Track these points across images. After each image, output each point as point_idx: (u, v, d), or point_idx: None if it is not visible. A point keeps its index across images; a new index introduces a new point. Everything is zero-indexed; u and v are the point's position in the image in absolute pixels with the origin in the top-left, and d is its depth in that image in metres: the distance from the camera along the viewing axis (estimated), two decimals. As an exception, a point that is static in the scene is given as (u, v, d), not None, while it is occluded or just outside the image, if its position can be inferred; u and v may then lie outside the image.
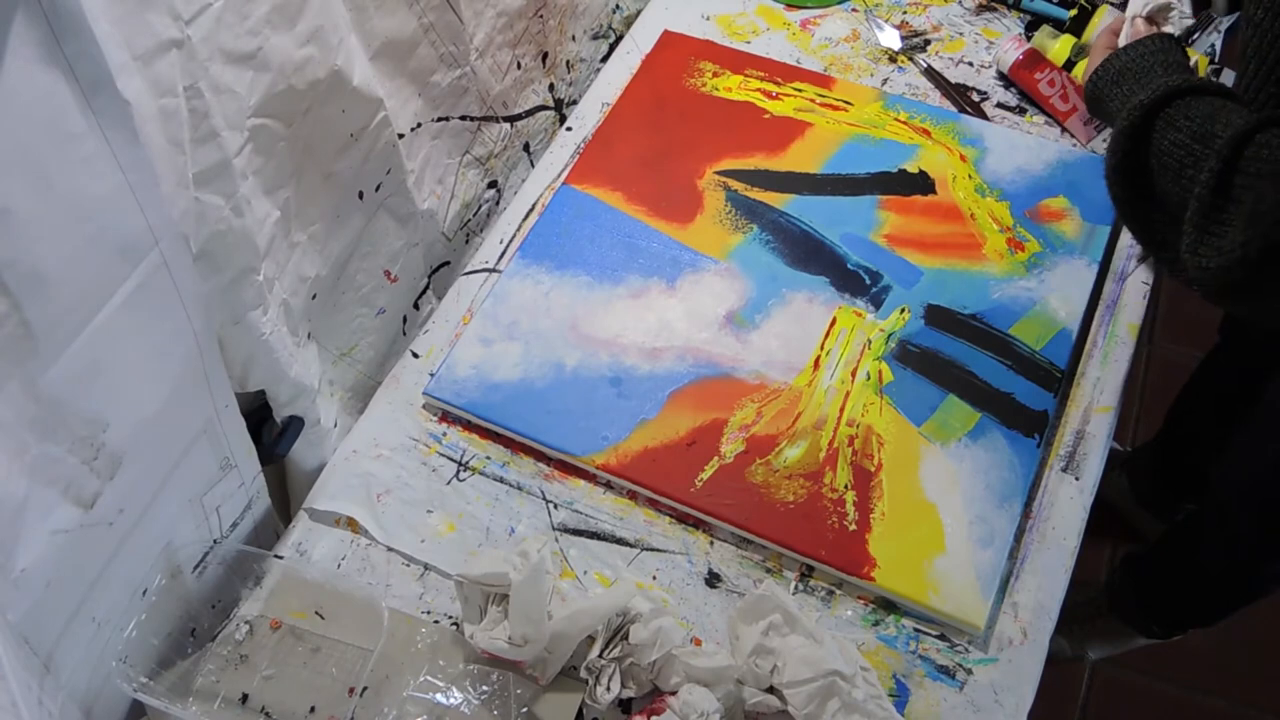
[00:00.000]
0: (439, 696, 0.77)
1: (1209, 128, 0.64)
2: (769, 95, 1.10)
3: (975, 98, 1.11)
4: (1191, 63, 0.92)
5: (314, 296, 0.85)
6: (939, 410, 0.88)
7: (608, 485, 0.88)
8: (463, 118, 0.99)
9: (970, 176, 1.02)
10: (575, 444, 0.88)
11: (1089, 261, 0.96)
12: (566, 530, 0.86)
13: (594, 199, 1.03)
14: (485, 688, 0.77)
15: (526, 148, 1.14)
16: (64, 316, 0.57)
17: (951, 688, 0.77)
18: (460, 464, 0.90)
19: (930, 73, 1.13)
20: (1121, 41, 0.81)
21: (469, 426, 0.92)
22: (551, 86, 1.14)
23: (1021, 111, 1.10)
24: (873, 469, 0.85)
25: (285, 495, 0.92)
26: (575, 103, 1.16)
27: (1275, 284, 0.60)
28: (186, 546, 0.77)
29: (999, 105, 1.10)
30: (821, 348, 0.92)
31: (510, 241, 1.04)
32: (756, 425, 0.88)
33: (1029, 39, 1.12)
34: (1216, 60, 1.09)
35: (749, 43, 1.17)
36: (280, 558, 0.84)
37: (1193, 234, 0.62)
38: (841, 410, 0.89)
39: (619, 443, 0.88)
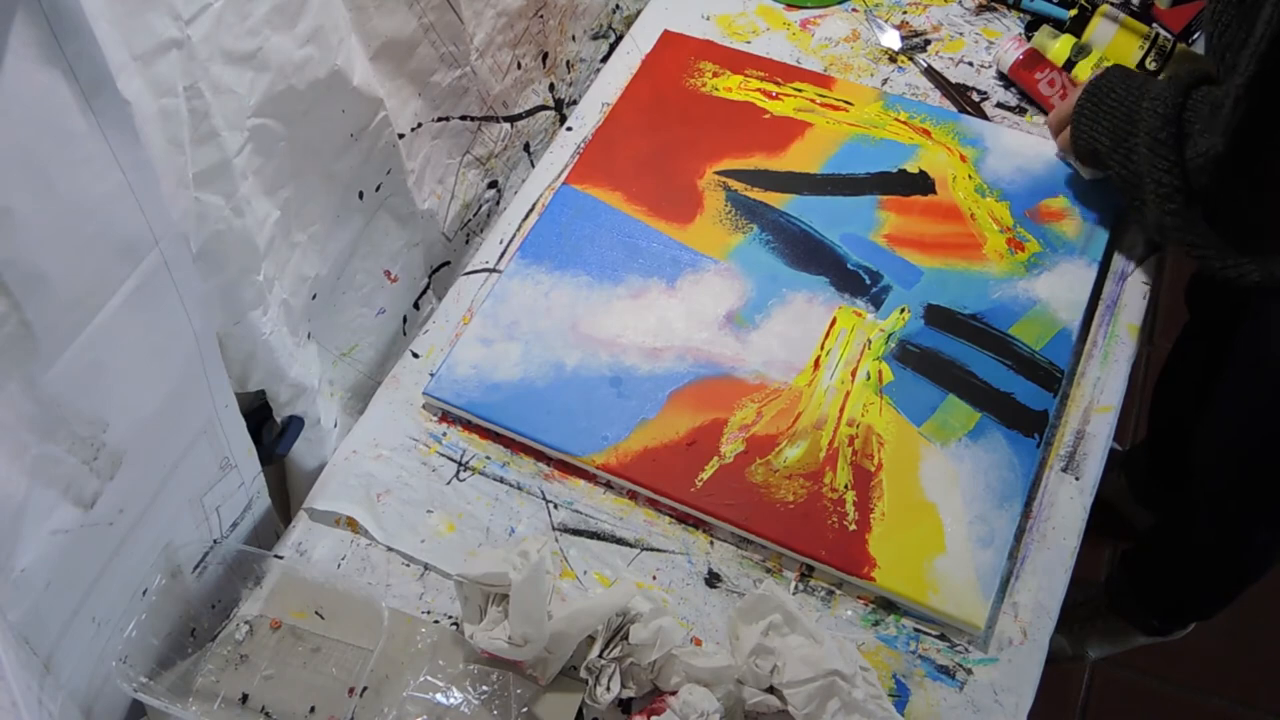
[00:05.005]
0: (439, 696, 0.77)
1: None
2: (769, 95, 1.10)
3: (975, 98, 1.11)
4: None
5: (314, 296, 0.85)
6: (939, 410, 0.88)
7: (608, 485, 0.88)
8: (463, 118, 0.99)
9: (970, 176, 1.02)
10: (575, 444, 0.88)
11: (1089, 261, 0.96)
12: (566, 530, 0.86)
13: (594, 199, 1.03)
14: (485, 688, 0.77)
15: (527, 148, 1.14)
16: (64, 316, 0.57)
17: (951, 688, 0.77)
18: (460, 464, 0.90)
19: (930, 73, 1.13)
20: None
21: (469, 426, 0.92)
22: (551, 86, 1.14)
23: (1021, 111, 1.10)
24: (873, 469, 0.85)
25: (285, 495, 0.92)
26: (575, 103, 1.16)
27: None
28: (186, 546, 0.77)
29: (999, 105, 1.10)
30: (821, 348, 0.92)
31: (510, 241, 1.04)
32: (756, 425, 0.88)
33: (1029, 39, 1.12)
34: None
35: (749, 43, 1.17)
36: (280, 558, 0.84)
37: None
38: (841, 410, 0.89)
39: (619, 443, 0.88)
